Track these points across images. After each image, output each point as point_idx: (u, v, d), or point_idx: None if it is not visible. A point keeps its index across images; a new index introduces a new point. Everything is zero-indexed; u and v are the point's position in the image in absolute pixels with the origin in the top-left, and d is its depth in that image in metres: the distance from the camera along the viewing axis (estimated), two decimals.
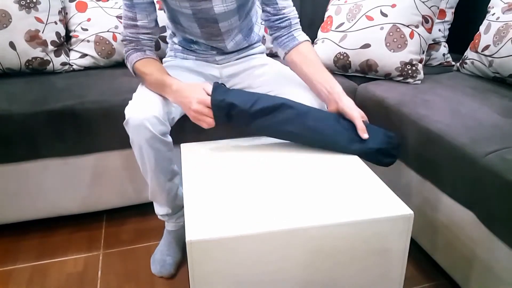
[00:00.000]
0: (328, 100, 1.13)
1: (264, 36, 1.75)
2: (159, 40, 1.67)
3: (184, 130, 1.32)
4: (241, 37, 1.31)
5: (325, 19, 1.70)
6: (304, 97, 1.18)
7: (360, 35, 1.54)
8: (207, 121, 1.03)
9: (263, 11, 1.23)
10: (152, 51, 1.20)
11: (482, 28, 1.54)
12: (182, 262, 1.32)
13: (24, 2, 1.50)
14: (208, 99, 1.02)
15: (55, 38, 1.57)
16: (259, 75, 1.31)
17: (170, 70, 1.24)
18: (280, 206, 0.86)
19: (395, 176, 1.38)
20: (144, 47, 1.18)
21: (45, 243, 1.43)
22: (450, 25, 1.77)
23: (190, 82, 1.09)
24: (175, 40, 1.36)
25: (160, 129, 1.07)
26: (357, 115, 1.07)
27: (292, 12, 1.22)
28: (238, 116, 1.03)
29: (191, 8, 1.16)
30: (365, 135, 1.05)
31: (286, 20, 1.20)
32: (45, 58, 1.54)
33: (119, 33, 1.62)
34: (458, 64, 1.66)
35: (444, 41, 1.76)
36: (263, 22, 1.26)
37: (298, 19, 1.23)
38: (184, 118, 1.26)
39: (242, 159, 1.04)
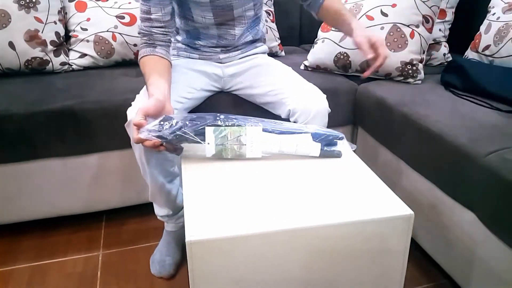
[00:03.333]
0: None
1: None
2: None
3: None
4: (246, 27, 1.32)
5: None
6: (306, 97, 1.18)
7: None
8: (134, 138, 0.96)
9: None
10: (164, 46, 1.17)
11: (482, 28, 1.54)
12: (181, 262, 1.32)
13: (23, 2, 1.50)
14: (136, 120, 0.93)
15: (55, 38, 1.56)
16: (261, 74, 1.31)
17: (174, 73, 1.23)
18: (280, 206, 0.86)
19: (395, 176, 1.38)
20: (156, 42, 1.16)
21: (45, 244, 1.43)
22: (450, 25, 1.76)
23: (157, 101, 0.98)
24: (178, 38, 1.36)
25: None
26: (359, 40, 1.16)
27: None
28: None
29: None
30: (368, 56, 1.13)
31: None
32: (44, 58, 1.54)
33: (119, 33, 1.62)
34: None
35: (445, 41, 1.76)
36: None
37: None
38: None
39: (242, 159, 1.04)
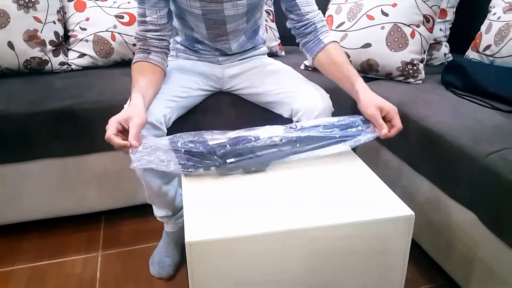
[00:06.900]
0: (355, 99, 1.10)
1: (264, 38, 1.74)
2: None
3: (182, 130, 1.31)
4: (244, 38, 1.30)
5: (325, 18, 1.70)
6: (310, 96, 1.17)
7: (361, 35, 1.53)
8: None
9: (288, 19, 1.23)
10: (160, 53, 1.15)
11: (483, 27, 1.54)
12: (181, 263, 1.32)
13: (22, 2, 1.49)
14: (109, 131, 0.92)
15: (54, 38, 1.56)
16: (262, 74, 1.30)
17: (171, 73, 1.23)
18: (280, 207, 0.85)
19: (396, 176, 1.38)
20: (150, 48, 1.14)
21: (44, 244, 1.43)
22: (451, 25, 1.76)
23: (133, 111, 0.96)
24: (177, 39, 1.35)
25: (154, 134, 1.06)
26: (371, 113, 1.03)
27: (316, 16, 1.21)
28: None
29: (201, 8, 1.15)
30: (383, 132, 1.00)
31: (311, 25, 1.20)
32: (43, 58, 1.53)
33: (118, 33, 1.62)
34: None
35: (445, 41, 1.75)
36: (292, 29, 1.25)
37: (324, 22, 1.22)
38: (183, 119, 1.25)
39: None
